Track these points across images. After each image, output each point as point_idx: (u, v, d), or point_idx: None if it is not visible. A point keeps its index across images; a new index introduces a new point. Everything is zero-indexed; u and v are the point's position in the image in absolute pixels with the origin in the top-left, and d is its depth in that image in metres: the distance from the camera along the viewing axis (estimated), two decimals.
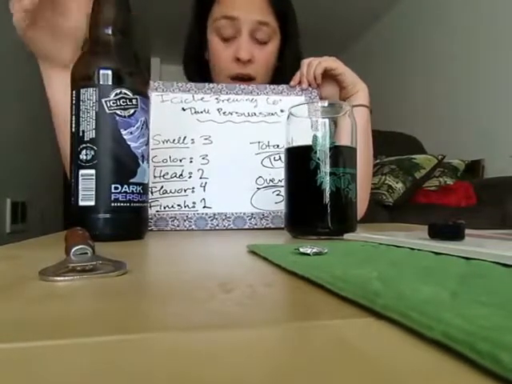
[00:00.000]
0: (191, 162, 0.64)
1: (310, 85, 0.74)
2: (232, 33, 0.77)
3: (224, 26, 0.77)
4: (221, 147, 0.66)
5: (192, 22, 0.86)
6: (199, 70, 0.86)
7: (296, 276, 0.20)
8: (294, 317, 0.15)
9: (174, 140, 0.65)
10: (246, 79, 0.78)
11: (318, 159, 0.42)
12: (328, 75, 0.73)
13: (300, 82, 0.74)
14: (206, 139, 0.66)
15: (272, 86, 0.73)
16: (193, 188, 0.63)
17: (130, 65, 0.43)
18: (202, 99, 0.69)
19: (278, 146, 0.68)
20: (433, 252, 0.26)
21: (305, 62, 0.74)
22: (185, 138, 0.66)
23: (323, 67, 0.72)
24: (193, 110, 0.68)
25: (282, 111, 0.71)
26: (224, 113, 0.69)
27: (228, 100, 0.70)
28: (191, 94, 0.69)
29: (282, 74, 0.81)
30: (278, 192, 0.65)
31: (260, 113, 0.70)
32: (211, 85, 0.71)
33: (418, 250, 0.28)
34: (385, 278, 0.17)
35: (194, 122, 0.67)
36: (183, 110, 0.68)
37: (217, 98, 0.70)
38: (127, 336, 0.12)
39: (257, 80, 0.78)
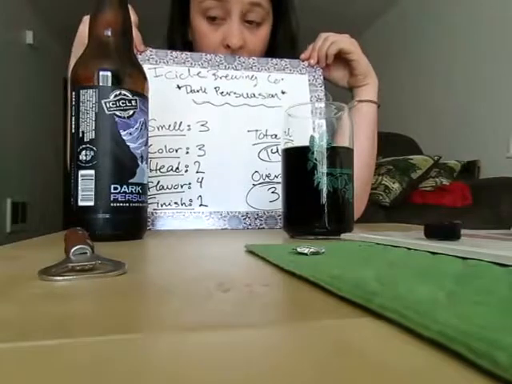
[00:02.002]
0: (187, 153, 0.62)
1: (318, 61, 0.70)
2: (220, 14, 0.68)
3: (211, 6, 0.67)
4: (218, 136, 0.64)
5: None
6: (184, 50, 0.75)
7: (293, 276, 0.20)
8: (291, 316, 0.15)
9: (169, 126, 0.63)
10: None
11: (315, 160, 0.42)
12: (341, 57, 0.69)
13: (310, 56, 0.69)
14: (202, 125, 0.64)
15: (274, 61, 0.69)
16: (189, 183, 0.61)
17: (129, 66, 0.43)
18: (198, 74, 0.65)
19: (275, 136, 0.66)
20: (429, 252, 0.26)
21: (321, 36, 0.69)
22: (181, 123, 0.63)
23: (338, 48, 0.67)
24: (188, 89, 0.64)
25: (282, 93, 0.68)
26: (222, 93, 0.65)
27: (226, 77, 0.66)
28: (187, 67, 0.65)
29: (274, 54, 0.75)
30: (273, 189, 0.64)
31: (259, 94, 0.67)
32: (208, 56, 0.67)
33: (415, 249, 0.28)
34: (382, 277, 0.17)
35: (190, 104, 0.64)
36: (178, 87, 0.64)
37: (214, 74, 0.66)
38: (126, 335, 0.12)
39: None
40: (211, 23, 0.69)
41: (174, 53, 0.66)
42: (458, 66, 2.35)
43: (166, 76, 0.65)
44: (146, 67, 0.57)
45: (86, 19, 0.49)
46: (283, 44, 0.76)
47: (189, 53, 0.67)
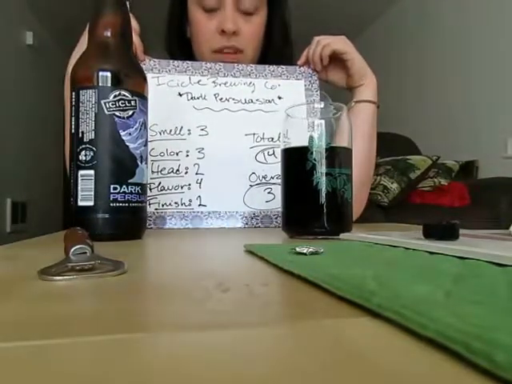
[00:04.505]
0: (187, 155, 0.65)
1: (314, 65, 0.71)
2: (215, 3, 0.70)
3: None
4: (216, 139, 0.66)
5: None
6: (181, 47, 0.79)
7: (292, 275, 0.20)
8: (290, 316, 0.15)
9: (170, 131, 0.65)
10: (232, 52, 0.72)
11: (314, 160, 0.43)
12: (338, 58, 0.70)
13: (307, 61, 0.71)
14: (202, 130, 0.66)
15: (271, 68, 0.71)
16: (189, 184, 0.64)
17: (128, 66, 0.43)
18: (198, 82, 0.68)
19: (272, 139, 0.68)
20: (427, 252, 0.26)
21: (315, 40, 0.71)
22: (181, 128, 0.66)
23: (332, 49, 0.69)
24: (189, 96, 0.67)
25: (279, 98, 0.70)
26: (221, 99, 0.68)
27: (225, 84, 0.69)
28: (188, 75, 0.68)
29: (270, 44, 0.77)
30: (269, 190, 0.66)
31: (257, 99, 0.69)
32: (208, 64, 0.69)
33: (413, 249, 0.28)
34: (380, 277, 0.17)
35: (191, 110, 0.67)
36: (180, 95, 0.67)
37: (214, 82, 0.68)
38: (126, 335, 0.12)
39: (244, 53, 0.73)
40: (207, 12, 0.71)
41: (175, 62, 0.69)
42: (457, 66, 2.36)
43: (168, 84, 0.67)
44: (149, 76, 0.61)
45: None
46: (277, 32, 0.78)
47: (190, 62, 0.69)
